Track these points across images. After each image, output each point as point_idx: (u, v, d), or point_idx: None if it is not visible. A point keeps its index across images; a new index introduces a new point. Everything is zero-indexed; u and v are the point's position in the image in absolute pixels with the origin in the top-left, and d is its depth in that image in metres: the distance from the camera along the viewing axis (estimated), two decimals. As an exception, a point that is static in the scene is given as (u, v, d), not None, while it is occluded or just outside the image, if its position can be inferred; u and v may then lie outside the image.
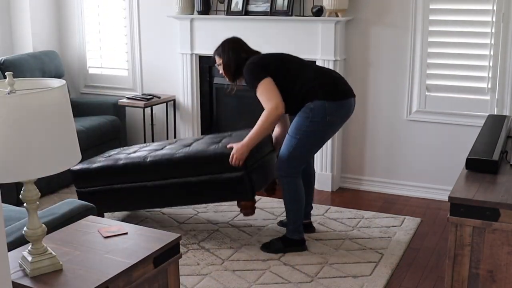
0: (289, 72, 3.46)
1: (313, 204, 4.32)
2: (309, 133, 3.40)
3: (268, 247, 3.57)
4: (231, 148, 3.43)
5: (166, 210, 4.20)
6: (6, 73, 1.89)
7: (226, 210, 4.17)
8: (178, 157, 3.55)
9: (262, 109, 3.40)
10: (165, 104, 5.21)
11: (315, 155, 4.63)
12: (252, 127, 3.44)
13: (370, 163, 4.65)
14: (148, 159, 3.60)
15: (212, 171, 3.48)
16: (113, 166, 3.66)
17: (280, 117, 3.48)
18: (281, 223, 3.94)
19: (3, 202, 2.43)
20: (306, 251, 3.56)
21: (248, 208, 3.53)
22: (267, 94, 3.35)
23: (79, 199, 3.51)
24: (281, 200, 4.38)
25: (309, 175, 3.76)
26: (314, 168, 3.84)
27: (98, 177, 3.70)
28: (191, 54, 4.95)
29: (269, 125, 3.39)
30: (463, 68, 4.22)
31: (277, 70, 3.43)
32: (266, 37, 4.64)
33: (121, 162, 3.67)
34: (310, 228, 3.82)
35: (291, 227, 3.57)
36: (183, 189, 3.56)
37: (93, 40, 5.53)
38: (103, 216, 3.64)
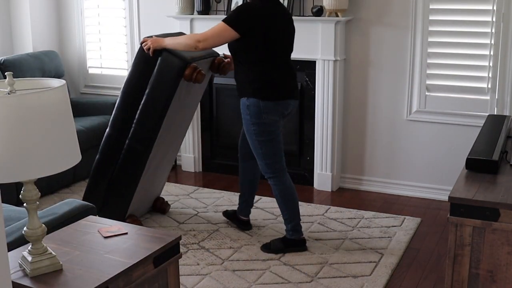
0: (262, 52, 3.35)
1: (313, 204, 4.33)
2: (259, 133, 3.42)
3: (268, 247, 3.57)
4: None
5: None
6: (6, 73, 1.89)
7: (226, 210, 4.18)
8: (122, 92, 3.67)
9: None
10: (165, 104, 5.20)
11: (315, 154, 4.65)
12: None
13: (370, 163, 4.65)
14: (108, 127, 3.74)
15: (150, 73, 3.54)
16: (97, 160, 3.76)
17: (194, 50, 3.40)
18: (226, 213, 3.98)
19: (3, 202, 2.43)
20: (306, 251, 3.56)
21: (193, 73, 3.45)
22: (214, 33, 3.30)
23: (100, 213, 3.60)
24: (281, 200, 4.40)
25: (252, 174, 3.77)
26: (259, 169, 3.70)
27: (97, 180, 3.77)
28: (191, 54, 4.94)
29: (184, 46, 3.38)
30: (463, 68, 4.22)
31: (261, 39, 3.32)
32: (266, 37, 4.64)
33: (98, 155, 3.77)
34: (246, 225, 3.87)
35: (289, 227, 3.57)
36: (149, 106, 3.56)
37: (93, 40, 5.53)
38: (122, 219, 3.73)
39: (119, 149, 3.66)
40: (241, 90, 3.45)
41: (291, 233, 3.57)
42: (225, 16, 3.31)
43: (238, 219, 3.90)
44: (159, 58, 3.50)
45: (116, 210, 3.74)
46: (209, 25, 4.81)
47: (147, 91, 3.54)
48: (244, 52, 3.38)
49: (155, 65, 3.51)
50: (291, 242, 3.57)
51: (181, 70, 3.46)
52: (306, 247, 3.59)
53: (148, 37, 3.57)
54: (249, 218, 3.91)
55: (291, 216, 3.56)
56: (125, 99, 3.63)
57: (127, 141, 3.63)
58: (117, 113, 3.66)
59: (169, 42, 3.44)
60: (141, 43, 3.54)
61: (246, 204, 3.87)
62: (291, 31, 3.54)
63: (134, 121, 3.59)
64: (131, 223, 3.50)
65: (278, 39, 3.41)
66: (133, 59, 3.64)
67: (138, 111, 3.57)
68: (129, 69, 3.66)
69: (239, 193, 3.91)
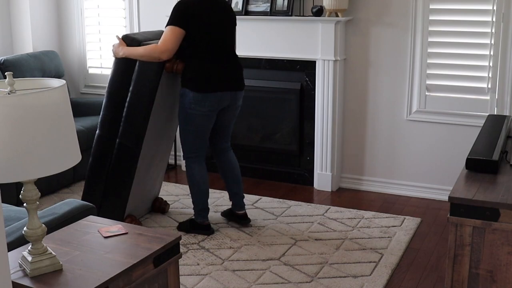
0: (196, 44, 3.52)
1: (313, 204, 4.33)
2: (185, 121, 3.62)
3: (179, 226, 3.85)
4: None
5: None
6: (6, 73, 1.89)
7: (226, 210, 4.18)
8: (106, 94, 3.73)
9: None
10: (165, 104, 5.20)
11: (315, 154, 4.65)
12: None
13: (370, 163, 4.65)
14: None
15: (132, 70, 3.62)
16: (90, 163, 3.79)
17: (158, 61, 3.52)
18: (224, 213, 4.06)
19: (3, 202, 2.43)
20: (306, 250, 3.56)
21: (173, 64, 3.58)
22: (169, 38, 3.45)
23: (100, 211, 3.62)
24: (281, 200, 4.41)
25: (229, 163, 3.90)
26: (234, 157, 3.94)
27: (93, 182, 3.79)
28: (191, 54, 4.94)
29: (147, 58, 3.51)
30: (463, 68, 4.22)
31: (195, 32, 3.49)
32: (266, 37, 4.64)
33: (91, 158, 3.79)
34: (244, 220, 3.94)
35: (194, 210, 3.81)
36: (135, 103, 3.61)
37: (93, 40, 5.53)
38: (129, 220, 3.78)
39: (110, 149, 3.70)
40: (181, 80, 3.62)
41: (196, 217, 3.81)
42: (168, 21, 3.53)
43: (236, 215, 3.94)
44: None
45: (114, 210, 3.75)
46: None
47: (131, 88, 3.61)
48: (181, 45, 3.52)
49: (135, 62, 3.58)
50: (196, 225, 3.80)
51: (162, 63, 3.55)
52: (211, 231, 3.79)
53: (123, 36, 3.68)
54: (245, 211, 3.95)
55: (196, 201, 3.78)
56: (111, 99, 3.69)
57: (117, 140, 3.67)
58: (105, 114, 3.71)
59: (127, 54, 3.55)
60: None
61: (236, 197, 3.92)
62: (230, 24, 3.69)
63: (122, 119, 3.64)
64: (130, 223, 3.51)
65: (213, 32, 3.56)
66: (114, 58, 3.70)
67: (125, 109, 3.63)
68: (111, 69, 3.71)
69: (226, 191, 4.00)
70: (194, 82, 3.54)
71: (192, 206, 3.84)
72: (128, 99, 3.62)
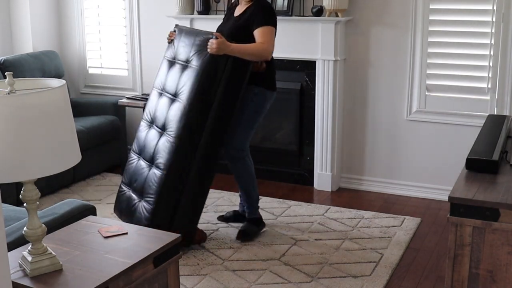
0: None
1: (313, 204, 4.33)
2: (254, 118, 3.62)
3: (247, 234, 3.70)
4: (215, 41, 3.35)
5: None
6: (6, 73, 1.89)
7: (226, 210, 4.17)
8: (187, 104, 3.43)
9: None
10: (165, 104, 5.19)
11: (315, 154, 4.65)
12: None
13: (370, 163, 4.65)
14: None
15: (220, 74, 3.42)
16: (165, 177, 3.40)
17: (260, 60, 3.49)
18: (222, 218, 4.01)
19: (3, 202, 2.43)
20: (306, 250, 3.56)
21: (261, 64, 3.53)
22: (271, 38, 3.45)
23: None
24: (281, 200, 4.41)
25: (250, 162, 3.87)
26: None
27: (166, 198, 3.41)
28: (191, 54, 4.94)
29: (253, 56, 3.41)
30: (463, 68, 4.22)
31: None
32: (266, 37, 4.64)
33: (165, 173, 3.40)
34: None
35: (256, 206, 3.77)
36: (228, 98, 3.44)
37: (93, 40, 5.53)
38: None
39: (191, 158, 3.41)
40: (254, 78, 3.51)
41: (255, 212, 3.77)
42: (263, 20, 3.44)
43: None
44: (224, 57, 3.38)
45: (189, 222, 3.49)
46: (209, 25, 4.82)
47: (220, 88, 3.37)
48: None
49: (226, 61, 3.37)
50: (259, 220, 3.77)
51: (253, 63, 3.47)
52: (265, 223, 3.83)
53: (220, 31, 3.51)
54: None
55: (255, 196, 3.74)
56: (197, 102, 3.37)
57: (204, 145, 3.41)
58: (189, 118, 3.36)
59: (237, 51, 3.34)
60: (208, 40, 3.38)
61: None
62: None
63: (206, 124, 3.39)
64: (200, 235, 3.56)
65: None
66: (200, 64, 3.40)
67: (213, 112, 3.38)
68: (197, 69, 3.40)
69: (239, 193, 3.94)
70: (269, 81, 3.60)
71: (247, 205, 3.77)
72: (219, 100, 3.38)
